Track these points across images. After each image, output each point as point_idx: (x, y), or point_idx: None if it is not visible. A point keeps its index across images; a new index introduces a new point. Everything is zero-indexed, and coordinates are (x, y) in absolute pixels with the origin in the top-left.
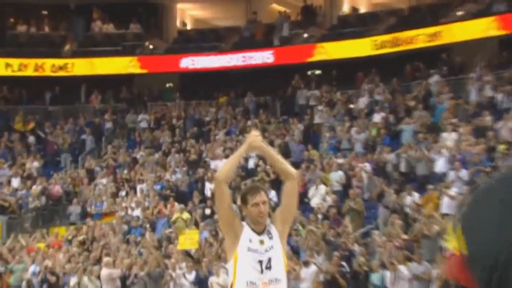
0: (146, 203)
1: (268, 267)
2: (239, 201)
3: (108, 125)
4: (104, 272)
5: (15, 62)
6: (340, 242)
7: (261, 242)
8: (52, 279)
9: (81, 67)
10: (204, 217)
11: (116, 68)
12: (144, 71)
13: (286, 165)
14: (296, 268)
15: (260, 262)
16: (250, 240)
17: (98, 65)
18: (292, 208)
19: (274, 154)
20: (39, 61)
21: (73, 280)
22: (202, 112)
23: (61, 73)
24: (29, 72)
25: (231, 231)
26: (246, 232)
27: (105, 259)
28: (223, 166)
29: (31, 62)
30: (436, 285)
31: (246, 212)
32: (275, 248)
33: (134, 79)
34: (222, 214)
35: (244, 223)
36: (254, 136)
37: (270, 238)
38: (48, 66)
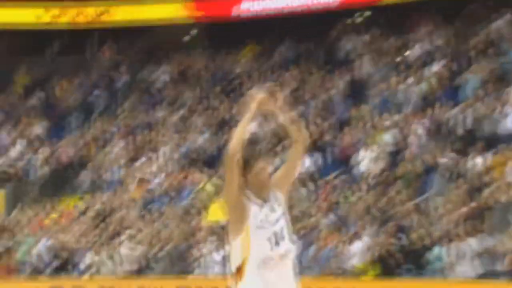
0: (169, 170)
1: (281, 238)
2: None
3: (124, 80)
4: (125, 248)
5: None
6: (393, 213)
7: (268, 212)
8: (65, 255)
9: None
10: None
11: (165, 12)
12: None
13: (298, 126)
14: (344, 241)
15: (271, 236)
16: (258, 216)
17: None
18: (294, 174)
19: (283, 113)
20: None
21: (89, 257)
22: (232, 64)
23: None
24: (31, 18)
25: (237, 209)
26: (253, 208)
27: (126, 233)
28: (233, 138)
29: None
30: (506, 262)
31: (250, 178)
32: (282, 216)
33: (154, 26)
34: (230, 191)
35: (248, 197)
36: (263, 98)
37: (279, 205)
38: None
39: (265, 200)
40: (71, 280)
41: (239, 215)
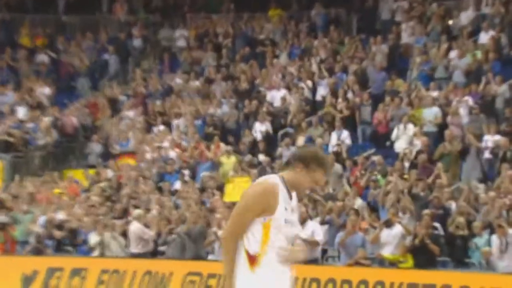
0: (184, 143)
1: (294, 240)
2: (299, 144)
3: (137, 42)
4: (134, 228)
5: None
6: (431, 198)
7: (290, 212)
8: (67, 233)
9: None
10: (255, 163)
11: None
12: None
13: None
14: (376, 228)
15: (290, 237)
16: (283, 214)
17: None
18: None
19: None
20: None
21: (94, 238)
22: (256, 28)
23: None
24: None
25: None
26: (280, 207)
27: (136, 212)
28: (232, 224)
29: None
30: None
31: (305, 174)
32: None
33: None
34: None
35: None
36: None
37: (295, 208)
38: None
39: (290, 198)
40: (73, 261)
41: (266, 208)
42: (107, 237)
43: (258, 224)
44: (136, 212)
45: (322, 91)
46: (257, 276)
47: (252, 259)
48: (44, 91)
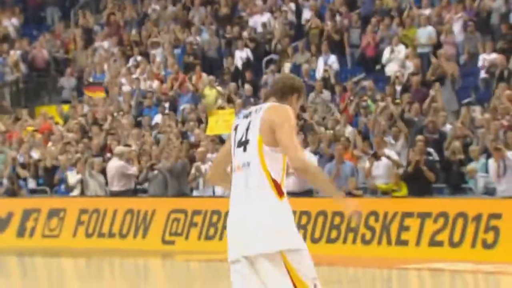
0: (163, 74)
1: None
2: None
3: None
4: (116, 164)
5: None
6: (426, 122)
7: None
8: (43, 173)
9: None
10: (240, 93)
11: None
12: None
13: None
14: (368, 156)
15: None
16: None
17: None
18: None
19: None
20: None
21: (72, 176)
22: None
23: None
24: None
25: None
26: None
27: (118, 148)
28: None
29: None
30: None
31: (296, 103)
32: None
33: None
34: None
35: None
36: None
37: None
38: None
39: None
40: (50, 201)
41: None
42: (85, 175)
43: (279, 151)
44: (119, 148)
45: (307, 14)
46: (284, 205)
47: (279, 188)
48: (11, 22)
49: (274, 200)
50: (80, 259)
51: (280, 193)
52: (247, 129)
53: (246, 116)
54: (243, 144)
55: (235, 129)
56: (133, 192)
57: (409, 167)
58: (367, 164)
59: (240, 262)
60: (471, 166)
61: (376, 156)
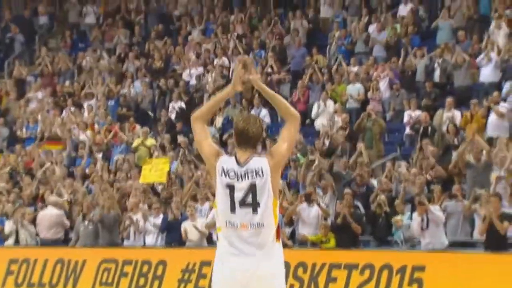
0: (96, 126)
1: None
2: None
3: (43, 20)
4: (50, 214)
5: None
6: (353, 176)
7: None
8: None
9: None
10: (174, 144)
11: None
12: None
13: (288, 104)
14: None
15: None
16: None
17: None
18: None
19: (274, 93)
20: None
21: (8, 225)
22: (169, 4)
23: None
24: None
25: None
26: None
27: (52, 198)
28: (201, 107)
29: None
30: (478, 229)
31: None
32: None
33: None
34: (206, 153)
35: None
36: (255, 75)
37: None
38: None
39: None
40: None
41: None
42: (16, 224)
43: (274, 199)
44: (53, 198)
45: None
46: (281, 247)
47: (278, 232)
48: None
49: (277, 246)
50: None
51: (278, 237)
52: (252, 193)
53: (241, 178)
54: (251, 205)
55: (228, 187)
56: (64, 242)
57: (337, 219)
58: (294, 205)
59: None
60: (397, 217)
61: (308, 200)
